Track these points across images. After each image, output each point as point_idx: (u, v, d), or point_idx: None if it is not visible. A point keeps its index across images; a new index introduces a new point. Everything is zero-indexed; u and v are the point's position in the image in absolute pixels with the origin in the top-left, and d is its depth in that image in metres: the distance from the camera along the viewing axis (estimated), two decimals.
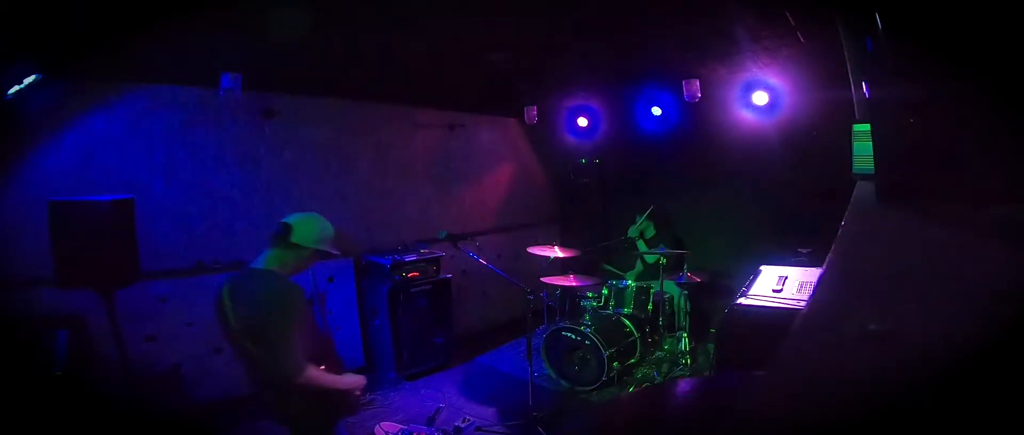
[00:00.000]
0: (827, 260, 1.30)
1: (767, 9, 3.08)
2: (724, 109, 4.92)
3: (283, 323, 2.03)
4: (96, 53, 2.92)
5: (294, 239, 2.19)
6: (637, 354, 4.57)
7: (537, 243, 5.29)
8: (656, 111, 5.44)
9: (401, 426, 3.56)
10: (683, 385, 2.86)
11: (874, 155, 1.62)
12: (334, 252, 2.32)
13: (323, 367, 2.20)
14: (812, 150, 4.47)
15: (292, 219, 2.23)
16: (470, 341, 5.41)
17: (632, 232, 5.43)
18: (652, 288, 4.85)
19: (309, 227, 2.23)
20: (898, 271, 1.13)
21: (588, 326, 4.33)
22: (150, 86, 3.75)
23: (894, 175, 1.52)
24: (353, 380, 2.33)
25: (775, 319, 2.77)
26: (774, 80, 4.43)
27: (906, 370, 0.75)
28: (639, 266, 5.68)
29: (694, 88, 4.52)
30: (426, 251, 4.89)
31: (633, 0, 3.16)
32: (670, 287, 4.97)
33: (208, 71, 3.61)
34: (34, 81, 2.82)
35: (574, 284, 4.72)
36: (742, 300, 3.05)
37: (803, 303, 2.80)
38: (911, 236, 1.35)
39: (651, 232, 5.39)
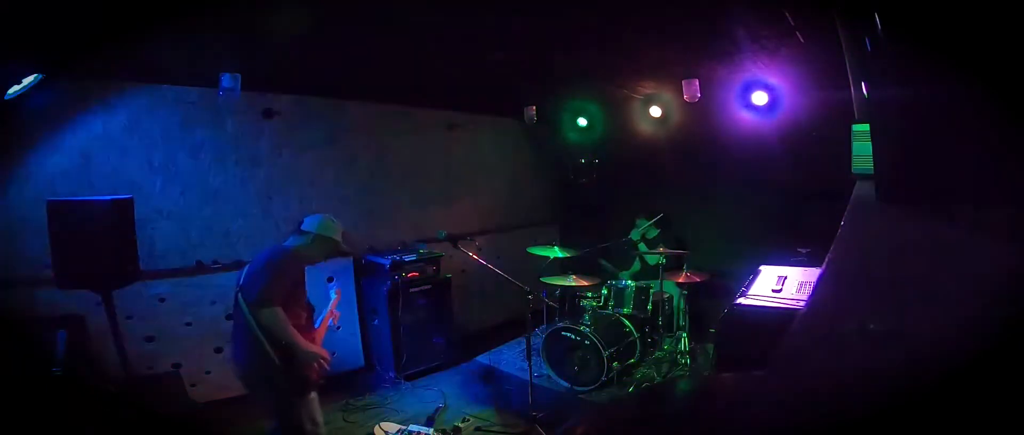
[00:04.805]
0: (827, 260, 1.30)
1: (767, 9, 3.08)
2: (724, 109, 4.91)
3: (270, 273, 2.49)
4: (96, 53, 2.91)
5: (304, 228, 2.72)
6: (637, 354, 4.57)
7: (537, 243, 5.29)
8: (656, 111, 5.44)
9: (400, 426, 3.56)
10: (683, 385, 2.86)
11: (874, 155, 1.62)
12: (337, 240, 2.77)
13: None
14: (812, 150, 4.47)
15: (309, 214, 2.77)
16: (470, 341, 5.40)
17: (635, 234, 5.42)
18: (652, 288, 4.85)
19: (316, 220, 2.74)
20: (897, 271, 1.13)
21: (588, 326, 4.33)
22: (150, 86, 3.75)
23: (894, 175, 1.52)
24: (317, 347, 2.63)
25: (775, 319, 2.76)
26: (774, 80, 4.42)
27: (906, 370, 0.75)
28: (636, 266, 5.67)
29: (694, 88, 4.51)
30: (426, 251, 4.89)
31: (633, 0, 3.16)
32: (670, 287, 4.97)
33: (208, 71, 3.61)
34: (34, 81, 2.82)
35: (574, 284, 4.72)
36: (742, 300, 3.06)
37: (803, 303, 2.80)
38: (911, 236, 1.35)
39: (653, 233, 5.39)
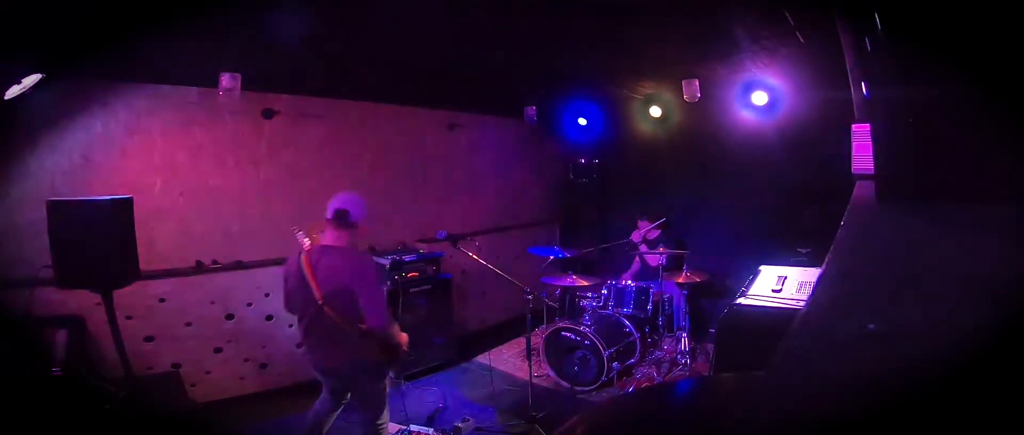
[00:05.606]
0: (827, 260, 1.29)
1: (767, 9, 3.08)
2: (724, 109, 4.92)
3: (380, 295, 2.56)
4: (96, 53, 2.91)
5: (353, 218, 2.64)
6: (637, 354, 4.57)
7: (537, 243, 5.29)
8: (655, 111, 5.45)
9: (401, 426, 3.56)
10: (683, 385, 2.85)
11: (874, 155, 1.62)
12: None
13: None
14: (812, 150, 4.47)
15: (347, 203, 2.65)
16: (470, 341, 5.41)
17: (636, 236, 5.43)
18: (651, 288, 4.85)
19: (356, 205, 2.68)
20: (897, 271, 1.13)
21: (588, 326, 4.33)
22: (150, 86, 3.75)
23: (894, 175, 1.52)
24: (405, 336, 2.79)
25: (775, 319, 2.77)
26: (773, 80, 4.43)
27: (906, 370, 0.74)
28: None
29: (694, 88, 4.52)
30: (426, 251, 4.89)
31: (633, 0, 3.16)
32: (670, 287, 4.97)
33: (208, 71, 3.61)
34: (34, 81, 2.82)
35: (574, 284, 4.72)
36: (742, 300, 3.05)
37: (802, 303, 2.80)
38: (911, 236, 1.35)
39: (653, 234, 5.40)
